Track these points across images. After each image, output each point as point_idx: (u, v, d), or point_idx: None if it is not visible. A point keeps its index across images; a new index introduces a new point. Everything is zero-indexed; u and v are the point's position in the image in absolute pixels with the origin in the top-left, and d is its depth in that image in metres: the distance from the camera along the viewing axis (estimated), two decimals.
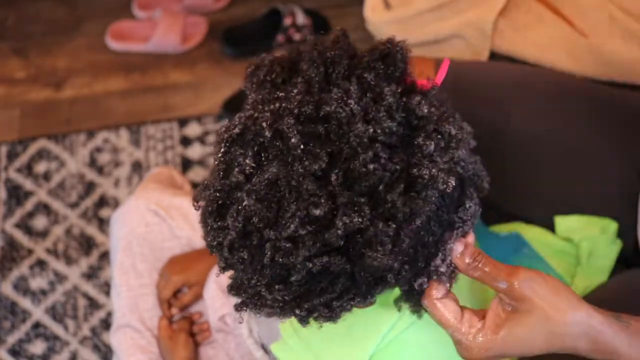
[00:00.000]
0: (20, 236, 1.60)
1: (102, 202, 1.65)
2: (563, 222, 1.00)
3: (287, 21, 1.86)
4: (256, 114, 0.63)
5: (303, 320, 0.66)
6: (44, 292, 1.53)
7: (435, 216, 0.64)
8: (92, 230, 1.61)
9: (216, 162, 0.64)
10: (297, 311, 0.64)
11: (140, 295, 1.18)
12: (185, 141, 1.74)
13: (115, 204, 1.63)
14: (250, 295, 0.64)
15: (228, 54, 1.88)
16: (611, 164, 0.98)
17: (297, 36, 1.88)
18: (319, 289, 0.62)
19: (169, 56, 1.88)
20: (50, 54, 1.90)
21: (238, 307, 0.67)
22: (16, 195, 1.66)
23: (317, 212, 0.58)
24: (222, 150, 0.64)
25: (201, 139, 1.75)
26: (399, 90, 0.63)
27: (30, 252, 1.58)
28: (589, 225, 0.98)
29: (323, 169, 0.60)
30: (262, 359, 1.08)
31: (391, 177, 0.60)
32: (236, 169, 0.62)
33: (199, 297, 1.18)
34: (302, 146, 0.60)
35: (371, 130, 0.60)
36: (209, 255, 1.16)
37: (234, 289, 0.66)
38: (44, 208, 1.64)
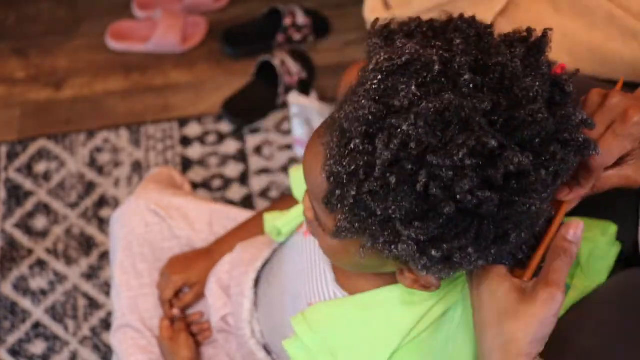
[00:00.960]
0: (20, 236, 1.61)
1: (102, 202, 1.65)
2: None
3: (287, 21, 1.86)
4: (422, 50, 0.61)
5: (427, 267, 0.63)
6: (44, 292, 1.53)
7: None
8: (92, 230, 1.61)
9: (368, 87, 0.61)
10: (434, 252, 0.61)
11: (141, 295, 1.18)
12: (185, 141, 1.75)
13: (115, 204, 1.63)
14: (382, 229, 0.62)
15: (228, 54, 1.88)
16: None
17: (297, 36, 1.88)
18: (454, 233, 0.61)
19: (169, 56, 1.88)
20: (50, 54, 1.90)
21: (365, 248, 0.65)
22: (16, 195, 1.66)
23: (492, 142, 0.57)
24: (379, 77, 0.61)
25: (201, 139, 1.75)
26: (549, 67, 0.64)
27: (30, 252, 1.58)
28: (588, 227, 0.98)
29: (487, 112, 0.59)
30: None
31: (553, 134, 0.61)
32: (401, 94, 0.60)
33: (200, 296, 1.18)
34: (471, 85, 0.60)
35: (537, 87, 0.61)
36: (209, 255, 1.17)
37: (350, 221, 0.63)
38: (44, 208, 1.64)
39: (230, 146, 1.74)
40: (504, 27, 1.28)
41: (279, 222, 1.01)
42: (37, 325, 1.50)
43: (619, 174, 0.75)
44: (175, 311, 1.16)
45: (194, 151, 1.73)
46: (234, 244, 1.14)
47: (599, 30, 1.23)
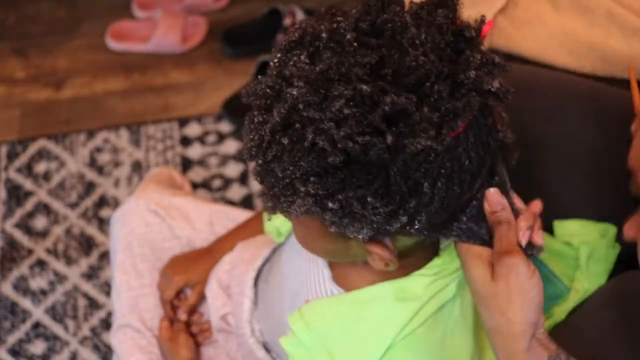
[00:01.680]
0: (20, 236, 1.61)
1: (102, 202, 1.65)
2: (562, 227, 1.00)
3: (287, 21, 1.86)
4: (315, 25, 0.66)
5: (334, 221, 0.66)
6: (44, 292, 1.53)
7: (474, 139, 0.66)
8: (92, 230, 1.61)
9: (271, 66, 0.67)
10: (330, 204, 0.63)
11: (141, 295, 1.18)
12: (185, 141, 1.74)
13: (115, 204, 1.63)
14: (283, 189, 0.65)
15: (228, 54, 1.88)
16: (611, 168, 0.97)
17: None
18: (354, 185, 0.63)
19: (169, 56, 1.88)
20: (50, 54, 1.90)
21: (270, 209, 0.68)
22: (16, 195, 1.66)
23: (365, 88, 0.60)
24: (278, 55, 0.66)
25: (201, 139, 1.75)
26: (450, 19, 0.65)
27: (30, 252, 1.58)
28: (588, 229, 0.98)
29: (373, 65, 0.62)
30: (264, 359, 1.08)
31: (438, 75, 0.62)
32: (290, 64, 0.64)
33: (203, 297, 1.18)
34: (355, 44, 0.63)
35: (423, 35, 0.63)
36: (210, 255, 1.17)
37: (267, 192, 0.67)
38: (44, 208, 1.64)
39: (230, 146, 1.73)
40: (503, 26, 1.28)
41: (277, 221, 1.01)
42: (37, 325, 1.50)
43: None
44: (183, 316, 1.16)
45: (194, 151, 1.73)
46: (234, 244, 1.14)
47: (599, 27, 1.23)
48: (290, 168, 0.63)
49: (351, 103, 0.60)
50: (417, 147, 0.61)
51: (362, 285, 0.79)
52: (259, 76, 0.68)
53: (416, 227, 0.66)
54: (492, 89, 0.64)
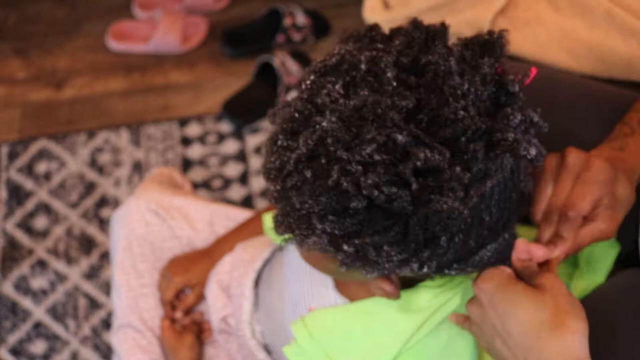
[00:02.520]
0: (20, 236, 1.61)
1: (103, 202, 1.65)
2: None
3: (287, 21, 1.86)
4: (354, 52, 0.63)
5: (345, 263, 0.64)
6: (44, 292, 1.54)
7: (498, 195, 0.64)
8: (92, 230, 1.61)
9: (303, 88, 0.64)
10: (345, 246, 0.62)
11: (141, 295, 1.18)
12: (186, 141, 1.75)
13: (116, 204, 1.63)
14: (299, 221, 0.63)
15: (228, 54, 1.88)
16: None
17: (297, 36, 1.88)
18: (372, 231, 0.61)
19: (169, 56, 1.89)
20: (50, 54, 1.90)
21: (283, 237, 0.66)
22: (17, 195, 1.66)
23: (399, 137, 0.58)
24: (312, 78, 0.63)
25: (201, 139, 1.75)
26: (495, 68, 0.63)
27: (30, 252, 1.59)
28: None
29: (409, 110, 0.59)
30: None
31: (475, 131, 0.60)
32: (324, 91, 0.62)
33: (201, 297, 1.18)
34: (394, 83, 0.60)
35: (466, 86, 0.60)
36: (209, 256, 1.17)
37: (281, 216, 0.65)
38: (45, 208, 1.64)
39: (230, 146, 1.74)
40: (503, 26, 1.28)
41: None
42: (37, 324, 1.50)
43: (592, 230, 0.78)
44: (179, 314, 1.16)
45: (194, 151, 1.73)
46: (234, 244, 1.14)
47: (598, 28, 1.24)
48: (309, 202, 0.61)
49: (382, 149, 0.58)
50: (443, 206, 0.59)
51: (366, 296, 0.79)
52: (286, 98, 0.66)
53: (425, 271, 0.66)
54: (528, 157, 0.62)
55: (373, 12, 1.43)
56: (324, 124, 0.60)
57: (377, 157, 0.58)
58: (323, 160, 0.60)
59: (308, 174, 0.60)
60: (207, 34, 1.92)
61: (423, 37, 0.64)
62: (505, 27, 1.29)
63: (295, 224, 0.63)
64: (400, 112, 0.59)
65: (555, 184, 0.78)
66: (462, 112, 0.59)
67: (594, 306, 0.90)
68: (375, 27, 0.67)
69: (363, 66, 0.61)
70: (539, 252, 0.69)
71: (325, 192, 0.60)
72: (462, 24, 1.28)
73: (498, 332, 0.69)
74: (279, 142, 0.63)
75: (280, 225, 0.66)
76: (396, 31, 0.66)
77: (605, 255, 0.95)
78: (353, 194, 0.59)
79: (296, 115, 0.62)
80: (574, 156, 0.78)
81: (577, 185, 0.77)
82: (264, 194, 1.66)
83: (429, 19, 1.39)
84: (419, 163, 0.58)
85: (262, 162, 0.67)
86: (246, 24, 1.92)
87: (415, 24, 0.65)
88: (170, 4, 1.96)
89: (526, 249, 0.68)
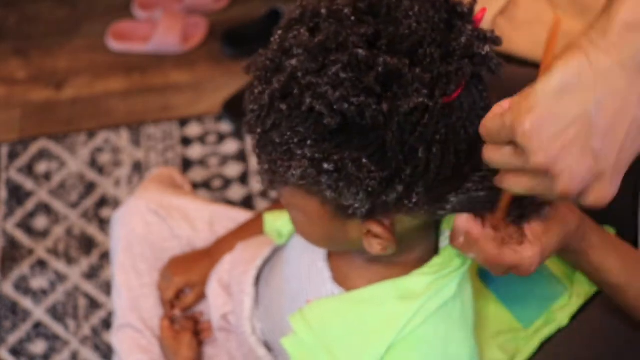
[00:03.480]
0: (20, 236, 1.61)
1: (103, 202, 1.65)
2: None
3: None
4: (315, 3, 0.68)
5: (329, 184, 0.66)
6: (44, 292, 1.54)
7: (469, 108, 0.67)
8: (92, 230, 1.61)
9: (272, 41, 0.69)
10: (326, 165, 0.65)
11: (141, 295, 1.18)
12: (186, 141, 1.75)
13: (116, 204, 1.63)
14: (281, 154, 0.67)
15: (228, 54, 1.88)
16: None
17: None
18: (350, 148, 0.65)
19: (169, 56, 1.89)
20: (50, 54, 1.91)
21: (267, 183, 0.71)
22: (17, 195, 1.66)
23: (360, 52, 0.62)
24: (279, 32, 0.69)
25: (201, 139, 1.75)
26: None
27: (30, 252, 1.59)
28: None
29: (369, 37, 0.64)
30: (265, 358, 1.08)
31: (431, 42, 0.64)
32: (291, 36, 0.66)
33: (201, 297, 1.18)
34: (353, 17, 0.65)
35: (417, 8, 0.65)
36: (210, 256, 1.17)
37: (265, 164, 0.69)
38: (45, 208, 1.64)
39: (230, 146, 1.74)
40: (503, 26, 1.28)
41: (279, 222, 1.01)
42: (37, 324, 1.50)
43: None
44: (177, 312, 1.16)
45: (194, 151, 1.73)
46: (234, 244, 1.14)
47: None
48: (288, 134, 0.65)
49: (347, 67, 0.63)
50: (410, 105, 0.62)
51: (362, 284, 0.79)
52: (260, 50, 0.71)
53: (414, 200, 0.67)
54: (482, 52, 0.65)
55: None
56: (293, 62, 0.65)
57: (343, 75, 0.63)
58: (296, 91, 0.64)
59: (283, 107, 0.65)
60: (207, 34, 1.92)
61: None
62: (505, 27, 1.29)
63: (278, 157, 0.67)
64: (361, 37, 0.64)
65: None
66: (415, 25, 0.64)
67: (598, 312, 0.89)
68: None
69: (323, 11, 0.67)
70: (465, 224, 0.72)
71: (302, 121, 0.65)
72: None
73: None
74: (256, 90, 0.68)
75: (265, 173, 0.70)
76: None
77: None
78: (327, 113, 0.63)
79: (268, 63, 0.67)
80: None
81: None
82: (264, 194, 1.66)
83: None
84: (380, 69, 0.62)
85: (243, 121, 0.72)
86: (246, 24, 1.92)
87: None
88: (170, 4, 1.96)
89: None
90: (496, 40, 0.67)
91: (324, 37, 0.65)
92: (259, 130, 0.68)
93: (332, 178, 0.66)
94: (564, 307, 0.91)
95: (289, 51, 0.66)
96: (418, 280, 0.77)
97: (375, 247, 0.73)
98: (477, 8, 0.69)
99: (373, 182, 0.65)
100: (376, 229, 0.71)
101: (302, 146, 0.65)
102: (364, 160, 0.64)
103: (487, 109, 0.66)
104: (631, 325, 0.85)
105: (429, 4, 0.66)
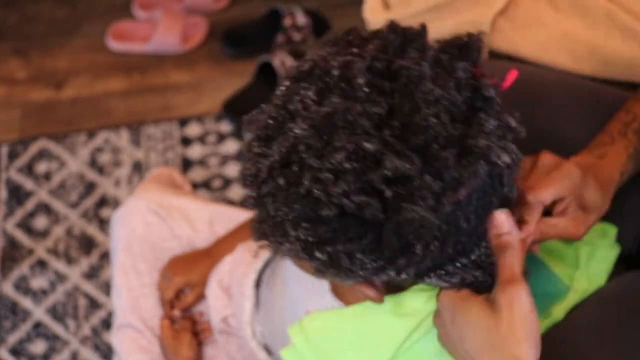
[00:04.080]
0: (20, 236, 1.61)
1: (103, 202, 1.65)
2: None
3: (287, 21, 1.86)
4: (328, 57, 0.63)
5: (320, 270, 0.64)
6: (44, 292, 1.54)
7: (476, 202, 0.64)
8: (92, 230, 1.61)
9: (278, 94, 0.64)
10: (318, 254, 0.62)
11: (141, 295, 1.18)
12: (186, 141, 1.75)
13: (116, 204, 1.63)
14: (273, 228, 0.63)
15: (228, 54, 1.88)
16: None
17: (297, 36, 1.88)
18: (345, 238, 0.61)
19: (169, 56, 1.89)
20: (50, 54, 1.90)
21: (259, 242, 0.66)
22: (17, 195, 1.66)
23: (368, 146, 0.58)
24: (286, 84, 0.64)
25: (201, 139, 1.75)
26: (470, 72, 0.63)
27: (30, 252, 1.59)
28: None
29: (381, 116, 0.59)
30: None
31: (447, 138, 0.60)
32: (296, 98, 0.62)
33: (201, 297, 1.18)
34: (366, 89, 0.60)
35: (438, 92, 0.60)
36: (209, 256, 1.17)
37: (258, 222, 0.65)
38: (45, 208, 1.64)
39: (230, 146, 1.74)
40: (503, 27, 1.28)
41: None
42: (37, 324, 1.50)
43: (559, 224, 0.78)
44: (176, 312, 1.16)
45: (194, 151, 1.73)
46: (234, 245, 1.14)
47: (598, 29, 1.23)
48: (283, 209, 0.62)
49: (352, 157, 0.58)
50: (414, 215, 0.59)
51: (359, 300, 0.79)
52: (262, 106, 0.66)
53: (404, 277, 0.66)
54: (500, 164, 0.61)
55: (373, 13, 1.42)
56: (297, 130, 0.60)
57: (346, 165, 0.58)
58: (295, 168, 0.60)
59: (281, 181, 0.61)
60: (207, 34, 1.92)
61: (399, 40, 0.63)
62: (505, 27, 1.29)
63: (270, 230, 0.64)
64: (372, 119, 0.59)
65: (523, 180, 0.79)
66: (433, 119, 0.59)
67: (594, 307, 0.90)
68: (353, 31, 0.67)
69: (335, 72, 0.61)
70: (506, 222, 0.67)
71: (298, 200, 0.60)
72: (463, 24, 1.28)
73: (457, 350, 0.69)
74: (254, 149, 0.64)
75: (257, 232, 0.66)
76: (373, 34, 0.66)
77: (605, 257, 0.96)
78: (324, 202, 0.59)
79: (270, 122, 0.63)
80: (545, 158, 0.79)
81: (542, 178, 0.78)
82: None
83: (429, 20, 1.39)
84: (387, 173, 0.58)
85: (239, 169, 0.68)
86: (246, 24, 1.92)
87: (392, 26, 0.65)
88: (170, 4, 1.96)
89: (496, 216, 0.67)
90: (519, 133, 0.63)
91: (331, 110, 0.59)
92: (254, 194, 0.64)
93: (324, 264, 0.63)
94: (561, 302, 0.92)
95: (293, 116, 0.62)
96: (417, 296, 0.76)
97: (361, 297, 0.73)
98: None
99: (365, 272, 0.64)
100: (366, 290, 0.71)
101: (296, 227, 0.61)
102: (358, 255, 0.62)
103: (497, 192, 0.65)
104: (626, 320, 0.86)
105: (453, 83, 0.61)
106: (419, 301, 0.76)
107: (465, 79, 0.62)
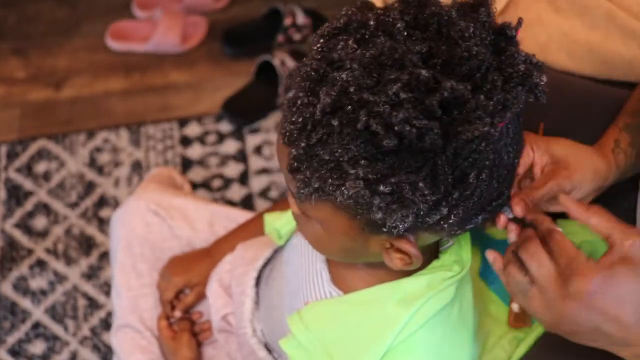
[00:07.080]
0: (20, 236, 1.61)
1: (102, 202, 1.65)
2: (563, 226, 1.00)
3: (287, 21, 1.86)
4: (359, 13, 0.66)
5: (381, 207, 0.64)
6: (43, 292, 1.53)
7: (513, 134, 0.68)
8: (92, 230, 1.61)
9: (314, 51, 0.66)
10: (382, 187, 0.62)
11: (141, 295, 1.18)
12: (185, 141, 1.75)
13: (115, 204, 1.63)
14: (329, 174, 0.64)
15: (228, 54, 1.88)
16: None
17: (297, 36, 1.88)
18: (404, 171, 0.62)
19: (169, 56, 1.89)
20: (50, 54, 1.91)
21: (304, 196, 0.66)
22: (16, 195, 1.66)
23: (423, 73, 0.60)
24: (321, 41, 0.66)
25: (201, 139, 1.75)
26: (491, 15, 0.66)
27: (30, 252, 1.59)
28: (589, 229, 0.98)
29: (423, 54, 0.62)
30: (266, 359, 1.08)
31: (489, 67, 0.63)
32: (338, 47, 0.64)
33: (201, 297, 1.18)
34: (405, 32, 0.63)
35: (471, 29, 0.63)
36: (209, 256, 1.17)
37: (305, 179, 0.65)
38: (44, 208, 1.64)
39: (230, 146, 1.74)
40: None
41: (278, 222, 1.01)
42: (37, 325, 1.50)
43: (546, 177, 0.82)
44: (177, 314, 1.16)
45: (194, 151, 1.73)
46: (234, 245, 1.14)
47: (598, 29, 1.23)
48: (339, 151, 0.62)
49: (407, 87, 0.60)
50: (474, 133, 0.61)
51: (362, 287, 0.79)
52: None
53: (451, 221, 0.67)
54: (541, 82, 0.65)
55: None
56: (343, 75, 0.62)
57: (403, 95, 0.60)
58: (349, 108, 0.61)
59: (335, 122, 0.62)
60: (207, 33, 1.92)
61: (417, 1, 0.66)
62: None
63: (326, 176, 0.64)
64: (417, 55, 0.62)
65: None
66: (475, 48, 0.62)
67: None
68: (368, 2, 0.69)
69: (372, 22, 0.64)
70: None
71: (354, 138, 0.62)
72: None
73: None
74: (299, 101, 0.64)
75: (307, 188, 0.66)
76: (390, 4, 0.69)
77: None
78: (383, 134, 0.60)
79: (312, 74, 0.64)
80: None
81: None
82: (263, 194, 1.66)
83: None
84: (445, 94, 0.60)
85: (278, 128, 0.68)
86: (246, 23, 1.92)
87: None
88: (170, 4, 1.96)
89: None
90: (542, 67, 0.66)
91: (378, 52, 0.62)
92: (302, 144, 0.64)
93: (385, 200, 0.64)
94: None
95: (336, 63, 0.64)
96: (417, 282, 0.77)
97: (396, 262, 0.73)
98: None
99: (424, 206, 0.64)
100: (406, 246, 0.71)
101: (355, 165, 0.62)
102: (420, 184, 0.63)
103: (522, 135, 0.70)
104: None
105: (479, 24, 0.64)
106: (419, 287, 0.76)
107: (488, 22, 0.65)
